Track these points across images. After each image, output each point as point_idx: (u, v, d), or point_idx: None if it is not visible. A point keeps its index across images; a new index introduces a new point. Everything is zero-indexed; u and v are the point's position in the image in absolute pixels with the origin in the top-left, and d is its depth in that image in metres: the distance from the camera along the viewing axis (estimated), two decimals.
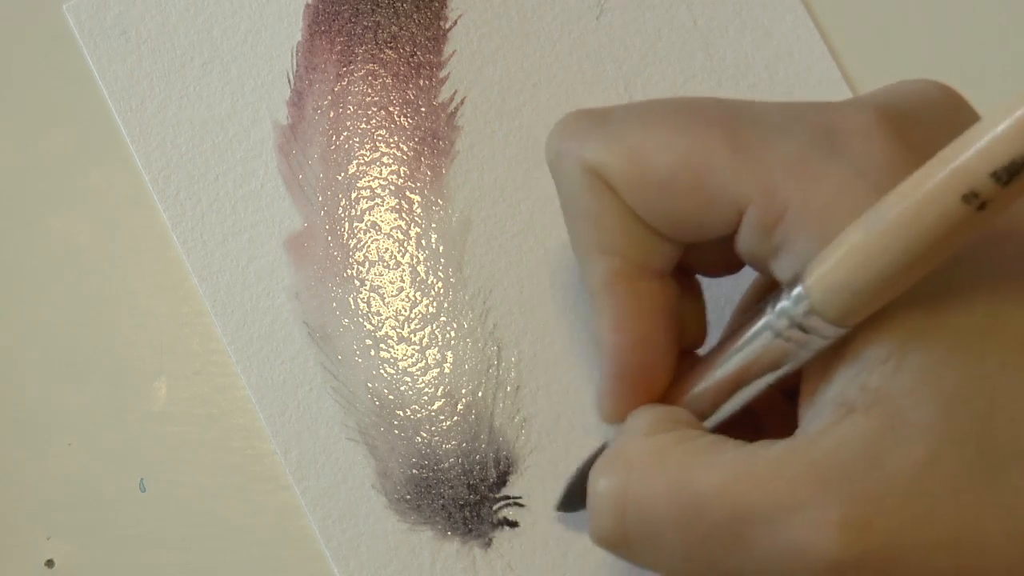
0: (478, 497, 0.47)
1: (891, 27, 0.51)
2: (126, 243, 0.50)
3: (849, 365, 0.32)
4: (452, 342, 0.49)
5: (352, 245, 0.49)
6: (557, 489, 0.46)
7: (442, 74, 0.50)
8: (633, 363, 0.37)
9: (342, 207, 0.49)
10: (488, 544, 0.47)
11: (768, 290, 0.35)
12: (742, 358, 0.35)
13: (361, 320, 0.49)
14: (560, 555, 0.47)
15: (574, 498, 0.46)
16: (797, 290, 0.32)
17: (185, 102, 0.50)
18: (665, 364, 0.37)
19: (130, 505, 0.48)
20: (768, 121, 0.34)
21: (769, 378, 0.35)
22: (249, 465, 0.48)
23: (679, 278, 0.38)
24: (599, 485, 0.35)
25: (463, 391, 0.48)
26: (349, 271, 0.49)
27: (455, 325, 0.49)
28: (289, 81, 0.50)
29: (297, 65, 0.51)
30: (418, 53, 0.51)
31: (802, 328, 0.32)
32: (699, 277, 0.40)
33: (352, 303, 0.49)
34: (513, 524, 0.47)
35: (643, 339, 0.37)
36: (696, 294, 0.40)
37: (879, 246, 0.30)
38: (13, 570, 0.48)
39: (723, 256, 0.36)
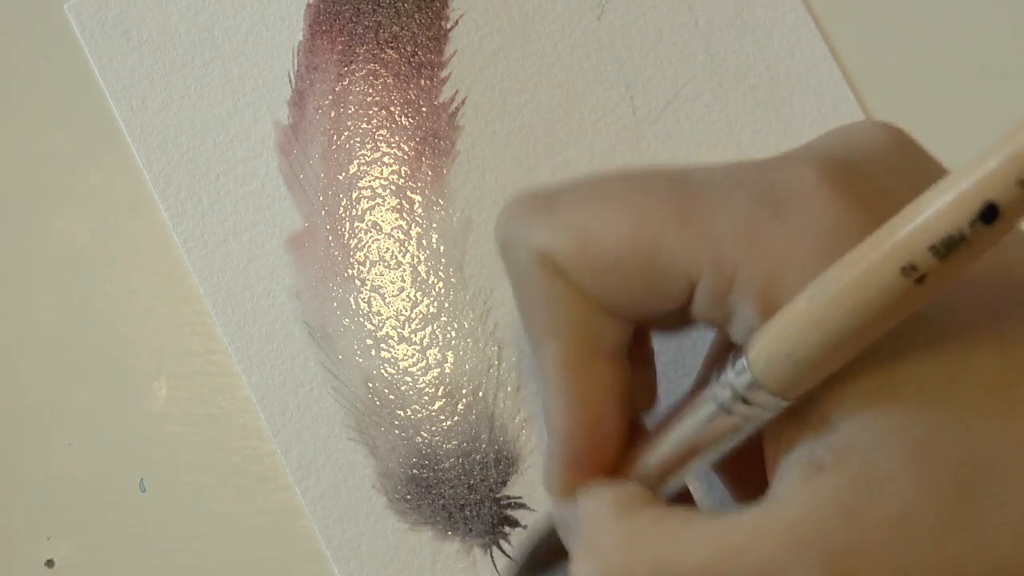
0: (479, 497, 0.47)
1: (892, 27, 0.51)
2: (126, 243, 0.50)
3: (814, 424, 0.32)
4: (453, 342, 0.49)
5: (353, 245, 0.49)
6: None
7: (443, 74, 0.50)
8: (584, 445, 0.36)
9: (343, 207, 0.49)
10: (489, 544, 0.47)
11: (728, 350, 0.35)
12: (689, 431, 0.34)
13: (362, 320, 0.49)
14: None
15: (531, 569, 0.46)
16: (740, 361, 0.32)
17: (186, 102, 0.50)
18: (615, 441, 0.37)
19: (130, 505, 0.48)
20: (713, 189, 0.33)
21: (722, 447, 0.34)
22: (249, 465, 0.48)
23: (632, 344, 0.37)
24: None
25: (464, 391, 0.48)
26: (350, 271, 0.49)
27: (456, 325, 0.49)
28: (290, 81, 0.50)
29: (298, 65, 0.51)
30: (419, 53, 0.51)
31: (746, 400, 0.32)
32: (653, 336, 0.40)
33: (353, 303, 0.49)
34: (514, 524, 0.47)
35: (594, 423, 0.36)
36: (647, 361, 0.40)
37: (820, 317, 0.29)
38: (13, 570, 0.48)
39: (678, 318, 0.35)
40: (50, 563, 0.48)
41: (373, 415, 0.48)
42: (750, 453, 0.35)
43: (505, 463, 0.48)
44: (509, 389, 0.48)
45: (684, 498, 0.40)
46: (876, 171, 0.33)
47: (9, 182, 0.51)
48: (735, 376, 0.32)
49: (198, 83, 0.50)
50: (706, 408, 0.34)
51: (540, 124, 0.50)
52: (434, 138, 0.50)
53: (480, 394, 0.48)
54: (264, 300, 0.49)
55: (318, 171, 0.50)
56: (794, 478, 0.32)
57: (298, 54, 0.51)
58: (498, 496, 0.47)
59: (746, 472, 0.39)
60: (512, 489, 0.47)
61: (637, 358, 0.38)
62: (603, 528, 0.35)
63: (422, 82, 0.50)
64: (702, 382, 0.34)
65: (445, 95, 0.50)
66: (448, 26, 0.51)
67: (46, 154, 0.51)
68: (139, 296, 0.50)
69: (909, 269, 0.28)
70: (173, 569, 0.48)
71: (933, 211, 0.27)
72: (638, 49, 0.50)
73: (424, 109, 0.50)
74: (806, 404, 0.32)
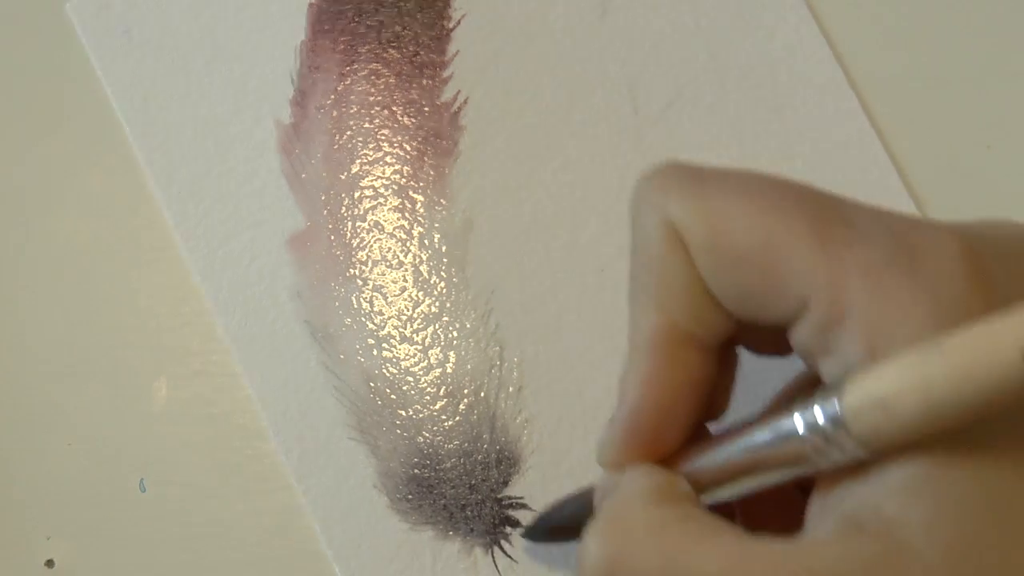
0: (480, 497, 0.47)
1: (894, 29, 0.51)
2: (126, 243, 0.50)
3: (868, 482, 0.32)
4: (454, 342, 0.49)
5: (355, 244, 0.49)
6: (559, 490, 0.46)
7: (445, 74, 0.50)
8: (649, 425, 0.36)
9: (345, 206, 0.49)
10: (490, 544, 0.47)
11: (810, 387, 0.35)
12: (757, 448, 0.34)
13: (363, 320, 0.49)
14: (561, 555, 0.47)
15: (541, 531, 0.46)
16: (832, 397, 0.31)
17: (188, 101, 0.50)
18: (680, 432, 0.36)
19: (130, 505, 0.48)
20: (856, 222, 0.33)
21: (780, 475, 0.34)
22: (249, 465, 0.48)
23: (721, 348, 0.37)
24: (593, 546, 0.34)
25: (465, 391, 0.48)
26: (352, 270, 0.49)
27: (457, 325, 0.49)
28: (292, 80, 0.50)
29: (300, 64, 0.51)
30: (421, 53, 0.51)
31: (826, 437, 0.32)
32: (741, 351, 0.40)
33: (355, 302, 0.49)
34: (515, 524, 0.47)
35: (667, 407, 0.36)
36: (731, 368, 0.39)
37: (928, 377, 0.29)
38: (13, 570, 0.48)
39: (774, 340, 0.35)
40: (50, 563, 0.48)
41: (375, 415, 0.48)
42: (777, 491, 0.35)
43: (506, 463, 0.48)
44: (511, 389, 0.48)
45: (726, 512, 0.40)
46: (1013, 266, 0.33)
47: (10, 182, 0.51)
48: (822, 411, 0.31)
49: (200, 82, 0.50)
50: (782, 432, 0.33)
51: (542, 124, 0.50)
52: (436, 138, 0.50)
53: (482, 394, 0.48)
54: (266, 300, 0.49)
55: (320, 170, 0.50)
56: (832, 528, 0.32)
57: (300, 53, 0.51)
58: (499, 496, 0.47)
59: (764, 506, 0.39)
60: (513, 489, 0.47)
61: (722, 362, 0.38)
62: (635, 507, 0.34)
63: (424, 82, 0.50)
64: (780, 407, 0.34)
65: (447, 95, 0.50)
66: (450, 26, 0.51)
67: (47, 154, 0.51)
68: (139, 296, 0.50)
69: None
70: (173, 569, 0.48)
71: None
72: (640, 49, 0.50)
73: (426, 109, 0.50)
74: None
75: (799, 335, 0.33)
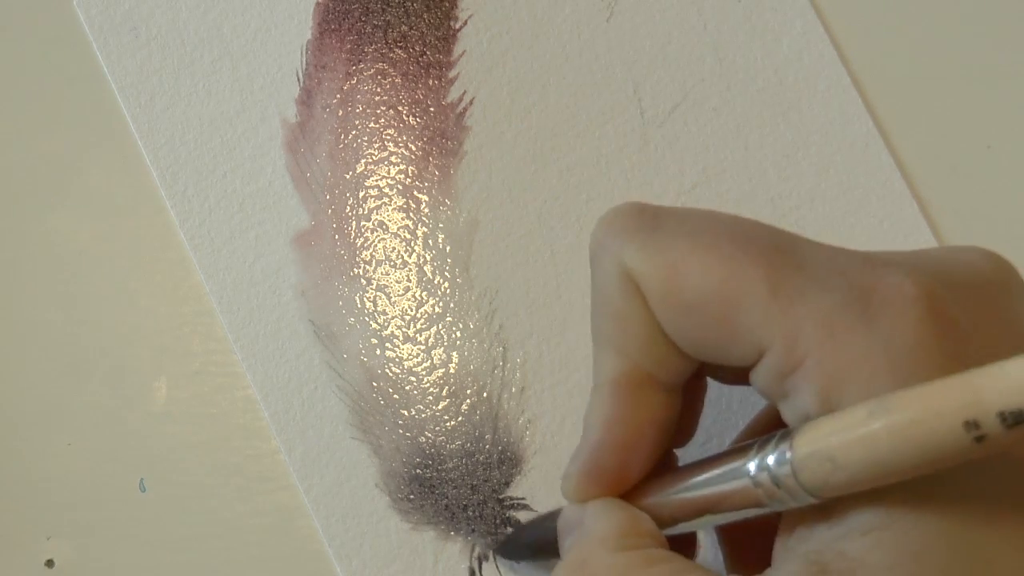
0: (482, 498, 0.47)
1: (900, 32, 0.51)
2: (127, 243, 0.50)
3: (831, 524, 0.32)
4: (458, 342, 0.48)
5: (359, 244, 0.49)
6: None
7: (451, 74, 0.51)
8: (612, 462, 0.36)
9: (349, 206, 0.49)
10: (491, 545, 0.47)
11: (776, 420, 0.35)
12: (715, 489, 0.35)
13: (367, 319, 0.49)
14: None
15: (514, 549, 0.46)
16: (784, 447, 0.32)
17: (194, 99, 0.50)
18: (643, 466, 0.37)
19: (130, 505, 0.48)
20: (812, 268, 0.33)
21: (737, 515, 0.34)
22: (249, 465, 0.48)
23: (686, 383, 0.38)
24: None
25: (468, 391, 0.48)
26: (356, 270, 0.49)
27: (461, 325, 0.49)
28: (298, 79, 0.51)
29: (306, 63, 0.51)
30: (428, 53, 0.51)
31: (778, 484, 0.32)
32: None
33: (358, 302, 0.49)
34: (516, 525, 0.47)
35: (630, 444, 0.36)
36: (697, 398, 0.40)
37: (873, 437, 0.29)
38: (13, 570, 0.48)
39: (738, 376, 0.35)
40: (50, 563, 0.48)
41: (377, 414, 0.48)
42: (758, 524, 0.35)
43: (508, 464, 0.47)
44: (513, 390, 0.48)
45: (687, 540, 0.40)
46: (974, 301, 0.33)
47: (14, 179, 0.51)
48: (775, 458, 0.32)
49: (206, 80, 0.50)
50: (737, 477, 0.33)
51: (548, 125, 0.50)
52: (441, 138, 0.50)
53: (484, 394, 0.48)
54: (270, 298, 0.49)
55: (325, 170, 0.50)
56: (795, 570, 0.32)
57: (306, 52, 0.51)
58: (501, 497, 0.47)
59: (746, 539, 0.39)
60: (515, 490, 0.47)
61: (688, 393, 0.38)
62: (600, 550, 0.35)
63: (430, 82, 0.50)
64: (742, 446, 0.34)
65: (453, 95, 0.50)
66: (457, 26, 0.51)
67: (52, 151, 0.51)
68: (139, 296, 0.50)
69: (972, 425, 0.27)
70: (173, 569, 0.48)
71: (1014, 381, 0.27)
72: (647, 51, 0.51)
73: (432, 109, 0.50)
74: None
75: (758, 379, 0.34)
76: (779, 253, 0.33)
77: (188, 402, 0.49)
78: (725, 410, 0.47)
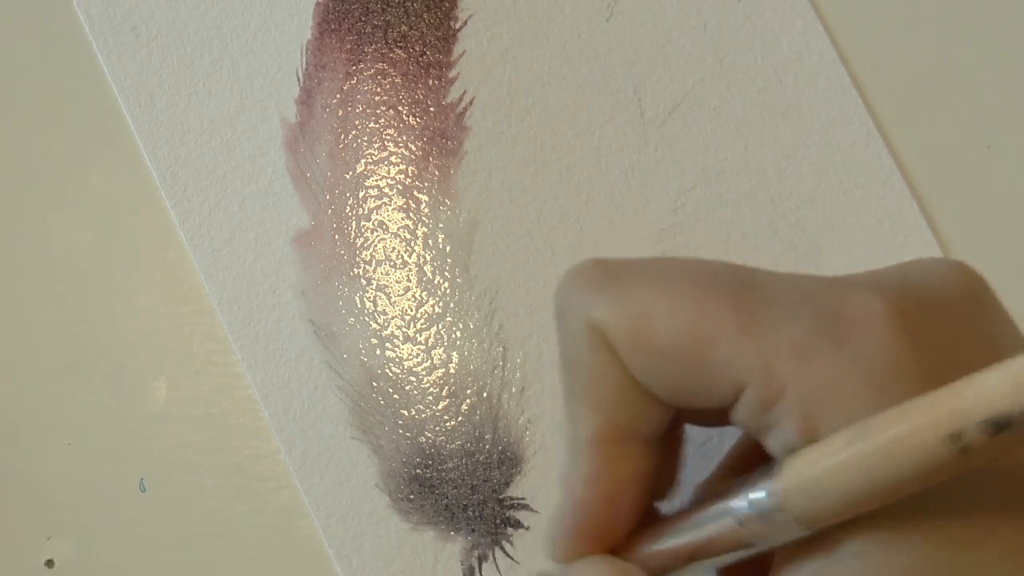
0: (482, 498, 0.47)
1: (901, 32, 0.51)
2: (127, 243, 0.50)
3: (822, 553, 0.32)
4: (458, 342, 0.48)
5: (359, 244, 0.49)
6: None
7: (451, 74, 0.51)
8: (597, 519, 0.36)
9: (349, 206, 0.49)
10: (491, 545, 0.47)
11: (755, 451, 0.35)
12: (702, 533, 0.34)
13: (367, 319, 0.49)
14: None
15: None
16: (768, 483, 0.32)
17: (194, 99, 0.50)
18: (628, 521, 0.36)
19: (130, 505, 0.48)
20: (779, 300, 0.33)
21: (728, 558, 0.34)
22: (249, 465, 0.48)
23: (665, 432, 0.37)
24: None
25: (468, 391, 0.48)
26: (356, 270, 0.49)
27: (461, 325, 0.49)
28: (298, 79, 0.51)
29: (306, 63, 0.51)
30: (428, 53, 0.51)
31: (766, 520, 0.32)
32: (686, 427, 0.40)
33: (358, 302, 0.49)
34: (517, 525, 0.47)
35: (613, 500, 0.36)
36: (676, 448, 0.39)
37: (857, 463, 0.29)
38: (13, 570, 0.48)
39: (717, 417, 0.35)
40: (50, 563, 0.48)
41: (377, 414, 0.48)
42: (755, 560, 0.35)
43: (509, 464, 0.47)
44: (513, 390, 0.48)
45: None
46: (945, 315, 0.33)
47: (14, 179, 0.51)
48: (760, 496, 0.32)
49: (206, 80, 0.50)
50: (723, 518, 0.33)
51: (548, 125, 0.50)
52: (441, 138, 0.50)
53: (484, 394, 0.48)
54: (269, 298, 0.49)
55: (325, 169, 0.50)
56: None
57: (306, 52, 0.51)
58: (501, 497, 0.47)
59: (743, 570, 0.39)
60: (515, 490, 0.47)
61: (667, 443, 0.38)
62: None
63: (430, 82, 0.50)
64: (722, 488, 0.34)
65: (453, 95, 0.50)
66: (457, 26, 0.51)
67: (52, 151, 0.51)
68: (139, 296, 0.50)
69: (956, 437, 0.27)
70: (173, 569, 0.48)
71: (994, 386, 0.27)
72: (646, 52, 0.51)
73: (432, 109, 0.50)
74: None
75: (739, 416, 0.33)
76: (744, 289, 0.33)
77: (188, 402, 0.49)
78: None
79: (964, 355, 0.30)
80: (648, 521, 0.37)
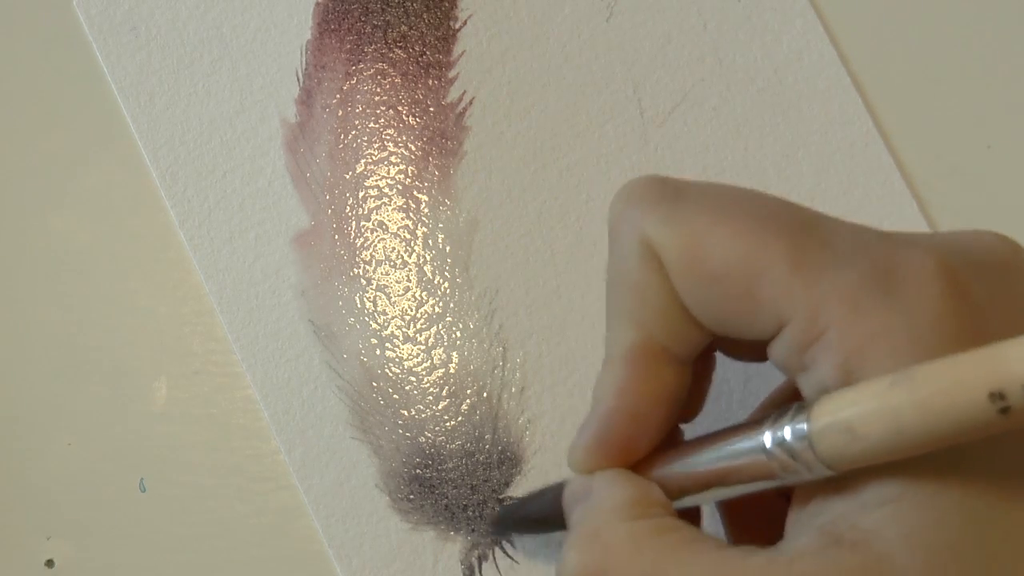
0: (482, 498, 0.47)
1: (901, 32, 0.51)
2: (126, 243, 0.50)
3: (845, 497, 0.32)
4: (458, 342, 0.48)
5: (359, 244, 0.49)
6: None
7: (451, 74, 0.51)
8: (621, 433, 0.36)
9: (349, 206, 0.49)
10: (491, 545, 0.47)
11: (794, 395, 0.35)
12: (727, 462, 0.34)
13: (367, 319, 0.49)
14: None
15: (510, 523, 0.46)
16: (801, 418, 0.32)
17: (194, 99, 0.50)
18: (651, 439, 0.37)
19: (130, 505, 0.48)
20: (834, 245, 0.33)
21: (750, 487, 0.34)
22: (249, 465, 0.48)
23: (698, 356, 0.38)
24: (572, 562, 0.35)
25: (468, 391, 0.48)
26: (355, 270, 0.49)
27: (461, 325, 0.49)
28: (298, 79, 0.50)
29: (306, 63, 0.51)
30: (427, 53, 0.51)
31: (793, 456, 0.32)
32: (718, 355, 0.40)
33: (358, 302, 0.49)
34: None
35: (641, 416, 0.36)
36: (707, 374, 0.40)
37: (895, 408, 0.29)
38: (13, 570, 0.48)
39: (753, 349, 0.35)
40: (50, 563, 0.48)
41: (377, 414, 0.48)
42: (760, 497, 0.35)
43: (508, 464, 0.47)
44: (513, 390, 0.48)
45: (690, 514, 0.40)
46: (991, 280, 0.33)
47: (13, 178, 0.51)
48: (791, 430, 0.32)
49: (206, 80, 0.50)
50: (751, 449, 0.33)
51: (547, 125, 0.50)
52: (441, 138, 0.50)
53: (484, 394, 0.48)
54: (269, 298, 0.49)
55: (325, 170, 0.50)
56: (810, 542, 0.32)
57: (306, 52, 0.51)
58: (501, 497, 0.47)
59: (748, 512, 0.39)
60: (515, 490, 0.47)
61: (698, 368, 0.38)
62: (611, 520, 0.35)
63: (430, 82, 0.50)
64: (755, 419, 0.34)
65: (453, 95, 0.50)
66: (457, 26, 0.51)
67: (51, 151, 0.51)
68: (139, 296, 0.50)
69: (997, 396, 0.27)
70: (173, 569, 0.48)
71: None
72: (646, 51, 0.51)
73: (431, 109, 0.50)
74: None
75: (776, 352, 0.34)
76: (802, 228, 0.33)
77: (188, 402, 0.49)
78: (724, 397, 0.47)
79: (1008, 319, 0.31)
80: (670, 443, 0.37)
